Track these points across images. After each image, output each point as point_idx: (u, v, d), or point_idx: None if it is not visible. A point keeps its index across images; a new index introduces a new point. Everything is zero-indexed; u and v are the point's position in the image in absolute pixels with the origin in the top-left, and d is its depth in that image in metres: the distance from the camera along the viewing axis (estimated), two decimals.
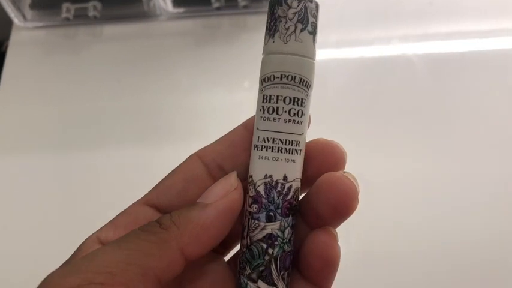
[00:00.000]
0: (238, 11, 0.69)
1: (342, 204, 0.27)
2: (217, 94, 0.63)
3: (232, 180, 0.28)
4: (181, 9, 0.69)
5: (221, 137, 0.31)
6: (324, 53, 0.64)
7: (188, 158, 0.31)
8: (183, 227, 0.26)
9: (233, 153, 0.30)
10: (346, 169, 0.29)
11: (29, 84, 0.66)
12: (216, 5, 0.67)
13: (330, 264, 0.28)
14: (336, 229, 0.29)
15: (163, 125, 0.61)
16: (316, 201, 0.28)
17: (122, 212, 0.31)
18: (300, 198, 0.29)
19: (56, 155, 0.60)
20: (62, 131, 0.62)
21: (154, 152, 0.59)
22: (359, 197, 0.27)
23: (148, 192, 0.31)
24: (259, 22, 0.68)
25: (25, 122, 0.63)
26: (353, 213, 0.27)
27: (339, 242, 0.28)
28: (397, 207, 0.53)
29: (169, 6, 0.68)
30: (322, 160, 0.29)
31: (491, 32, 0.67)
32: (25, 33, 0.69)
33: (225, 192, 0.27)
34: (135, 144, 0.60)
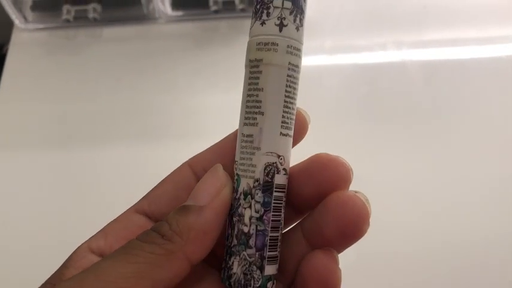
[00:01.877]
0: (235, 14, 0.68)
1: (352, 227, 0.25)
2: (214, 96, 0.63)
3: (221, 176, 0.27)
4: (179, 12, 0.68)
5: (212, 145, 0.30)
6: (319, 59, 0.63)
7: (179, 166, 0.30)
8: (185, 235, 0.24)
9: (223, 162, 0.29)
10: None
11: (29, 85, 0.65)
12: (214, 8, 0.67)
13: None
14: None
15: (161, 125, 0.61)
16: (323, 220, 0.26)
17: (113, 220, 0.29)
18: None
19: (56, 155, 0.59)
20: (62, 131, 0.61)
21: (153, 152, 0.59)
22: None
23: (140, 200, 0.30)
24: None
25: (25, 122, 0.62)
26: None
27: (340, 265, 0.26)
28: (391, 210, 0.52)
29: (168, 9, 0.68)
30: (325, 178, 0.27)
31: (486, 38, 0.66)
32: (26, 34, 0.69)
33: (216, 190, 0.26)
34: (134, 144, 0.60)
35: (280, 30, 0.26)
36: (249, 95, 0.26)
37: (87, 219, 0.54)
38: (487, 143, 0.58)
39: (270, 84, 0.25)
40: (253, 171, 0.26)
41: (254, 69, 0.26)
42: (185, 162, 0.30)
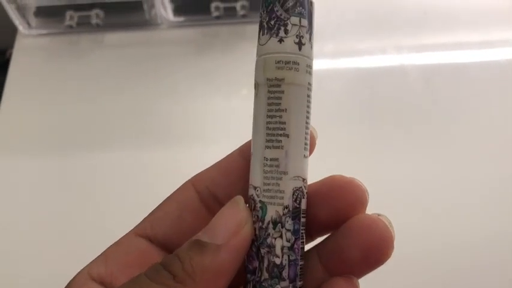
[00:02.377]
0: (237, 20, 0.68)
1: (376, 251, 0.24)
2: (216, 101, 0.63)
3: (241, 211, 0.25)
4: (181, 18, 0.68)
5: (216, 163, 0.29)
6: (319, 63, 0.62)
7: (182, 185, 0.29)
8: (198, 277, 0.23)
9: (227, 181, 0.28)
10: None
11: (32, 90, 0.65)
12: (215, 14, 0.67)
13: None
14: None
15: (163, 131, 0.61)
16: (344, 245, 0.25)
17: (114, 244, 0.28)
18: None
19: (58, 159, 0.59)
20: (64, 136, 0.61)
21: (155, 157, 0.59)
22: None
23: (141, 221, 0.29)
24: (257, 31, 0.66)
25: (29, 127, 0.62)
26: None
27: None
28: (392, 212, 0.50)
29: (169, 15, 0.68)
30: (341, 201, 0.26)
31: (486, 42, 0.66)
32: (29, 40, 0.68)
33: (236, 227, 0.24)
34: (136, 149, 0.59)
35: (300, 49, 0.25)
36: (270, 116, 0.25)
37: (89, 223, 0.55)
38: (488, 145, 0.58)
39: (293, 104, 0.25)
40: (282, 198, 0.25)
41: (275, 88, 0.25)
42: (188, 180, 0.29)
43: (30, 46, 0.68)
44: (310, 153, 0.27)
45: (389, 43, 0.66)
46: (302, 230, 0.26)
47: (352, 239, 0.25)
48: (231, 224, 0.24)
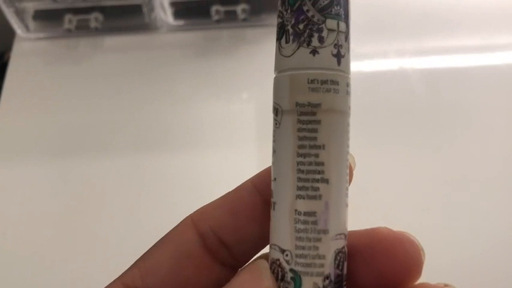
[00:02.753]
0: (237, 24, 0.60)
1: None
2: (216, 105, 0.56)
3: (264, 282, 0.17)
4: (181, 22, 0.61)
5: (220, 198, 0.21)
6: None
7: (181, 223, 0.21)
8: None
9: (236, 223, 0.20)
10: None
11: (30, 94, 0.58)
12: (215, 17, 0.59)
13: None
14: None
15: (163, 135, 0.54)
16: None
17: None
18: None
19: (57, 164, 0.53)
20: (63, 141, 0.55)
21: (155, 162, 0.52)
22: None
23: (130, 267, 0.20)
24: (258, 35, 0.60)
25: (27, 131, 0.56)
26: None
27: None
28: (393, 216, 0.45)
29: (169, 19, 0.60)
30: (388, 264, 0.18)
31: (489, 46, 0.59)
32: (27, 43, 0.61)
33: None
34: (135, 154, 0.53)
35: (339, 63, 0.17)
36: (302, 155, 0.17)
37: (86, 230, 0.49)
38: (491, 150, 0.52)
39: (333, 138, 0.16)
40: (322, 265, 0.17)
41: (308, 117, 0.17)
42: (188, 217, 0.21)
43: (28, 50, 0.61)
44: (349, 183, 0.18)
45: (391, 47, 0.59)
46: None
47: None
48: None
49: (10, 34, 0.61)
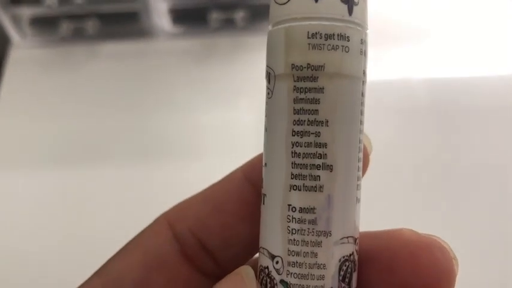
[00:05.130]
0: (236, 31, 0.57)
1: None
2: (214, 113, 0.53)
3: None
4: (179, 29, 0.57)
5: (207, 189, 0.16)
6: None
7: (153, 222, 0.16)
8: None
9: (221, 223, 0.15)
10: None
11: (26, 101, 0.55)
12: (214, 25, 0.56)
13: None
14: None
15: (160, 143, 0.51)
16: None
17: None
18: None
19: (53, 174, 0.50)
20: (59, 149, 0.52)
21: (152, 170, 0.49)
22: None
23: (90, 278, 0.16)
24: (257, 42, 0.57)
25: (22, 139, 0.53)
26: None
27: None
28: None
29: (167, 26, 0.57)
30: (413, 274, 0.13)
31: (493, 57, 0.55)
32: (23, 51, 0.58)
33: None
34: (132, 162, 0.50)
35: (351, 12, 0.12)
36: (299, 133, 0.12)
37: (85, 238, 0.46)
38: (494, 158, 0.48)
39: (340, 112, 0.12)
40: (322, 277, 0.12)
41: (307, 84, 0.12)
42: (161, 215, 0.16)
43: (24, 57, 0.58)
44: (363, 174, 0.14)
45: (393, 55, 0.55)
46: None
47: None
48: None
49: (5, 41, 0.58)
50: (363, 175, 0.14)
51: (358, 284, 0.14)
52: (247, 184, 0.15)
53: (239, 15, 0.56)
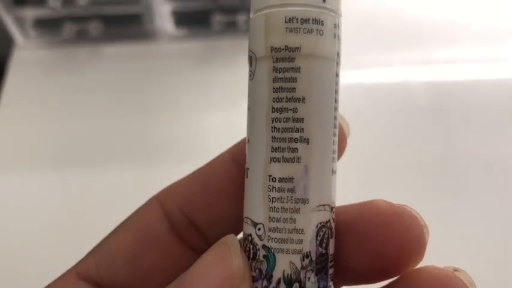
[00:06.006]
0: (239, 34, 0.58)
1: None
2: (217, 116, 0.53)
3: (234, 264, 0.13)
4: (182, 31, 0.58)
5: (196, 170, 0.17)
6: None
7: (144, 203, 0.17)
8: None
9: (209, 201, 0.16)
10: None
11: (29, 102, 0.56)
12: (217, 27, 0.57)
13: None
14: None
15: (163, 145, 0.51)
16: None
17: None
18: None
19: (56, 175, 0.50)
20: (62, 151, 0.52)
21: (154, 172, 0.49)
22: None
23: (85, 256, 0.17)
24: None
25: (25, 140, 0.53)
26: None
27: None
28: None
29: (170, 28, 0.57)
30: (387, 243, 0.14)
31: (494, 58, 0.56)
32: (27, 52, 0.58)
33: None
34: (135, 164, 0.50)
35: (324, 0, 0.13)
36: (278, 110, 0.13)
37: (86, 240, 0.45)
38: (494, 161, 0.48)
39: (316, 90, 0.13)
40: (300, 241, 0.13)
41: (285, 64, 0.13)
42: (153, 197, 0.18)
43: (27, 58, 0.58)
44: (339, 156, 0.15)
45: (395, 58, 0.56)
46: (330, 286, 0.14)
47: None
48: (218, 280, 0.12)
49: (8, 42, 0.58)
50: (339, 158, 0.15)
51: (336, 254, 0.14)
52: (234, 164, 0.16)
53: (241, 18, 0.57)
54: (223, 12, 0.57)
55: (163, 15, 0.56)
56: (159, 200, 0.17)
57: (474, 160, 0.48)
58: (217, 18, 0.57)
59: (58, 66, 0.58)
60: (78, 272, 0.17)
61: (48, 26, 0.58)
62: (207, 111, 0.53)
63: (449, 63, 0.55)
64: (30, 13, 0.56)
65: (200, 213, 0.16)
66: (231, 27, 0.57)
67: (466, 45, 0.56)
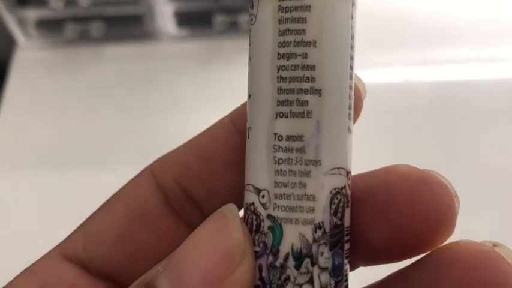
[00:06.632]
0: (241, 34, 0.57)
1: None
2: (219, 116, 0.51)
3: (234, 236, 0.11)
4: (184, 31, 0.57)
5: (193, 138, 0.16)
6: None
7: (138, 174, 0.16)
8: None
9: (208, 171, 0.14)
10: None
11: (31, 103, 0.55)
12: (219, 28, 0.56)
13: None
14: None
15: (165, 145, 0.49)
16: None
17: (27, 271, 0.15)
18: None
19: (58, 174, 0.50)
20: (64, 151, 0.52)
21: None
22: None
23: (71, 234, 0.15)
24: None
25: (27, 140, 0.53)
26: None
27: None
28: None
29: (172, 28, 0.57)
30: (410, 211, 0.12)
31: (496, 58, 0.55)
32: (29, 52, 0.58)
33: (222, 265, 0.10)
34: (137, 164, 0.48)
35: None
36: (284, 56, 0.11)
37: None
38: (498, 162, 0.47)
39: (329, 31, 0.11)
40: (311, 209, 0.11)
41: (292, 2, 0.11)
42: (146, 167, 0.16)
43: (29, 59, 0.58)
44: (354, 121, 0.13)
45: (396, 58, 0.55)
46: (346, 264, 0.12)
47: (450, 281, 0.11)
48: (214, 258, 0.11)
49: (10, 42, 0.58)
50: (355, 120, 0.13)
51: (353, 227, 0.13)
52: (235, 131, 0.15)
53: (244, 18, 0.56)
54: (225, 13, 0.56)
55: (165, 16, 0.56)
56: (152, 170, 0.16)
57: (475, 160, 0.48)
58: (219, 19, 0.56)
59: (60, 67, 0.58)
60: (62, 252, 0.16)
61: (50, 27, 0.57)
62: (209, 112, 0.52)
63: (451, 63, 0.55)
64: (32, 14, 0.56)
65: (198, 184, 0.15)
66: (233, 28, 0.57)
67: (467, 46, 0.55)
